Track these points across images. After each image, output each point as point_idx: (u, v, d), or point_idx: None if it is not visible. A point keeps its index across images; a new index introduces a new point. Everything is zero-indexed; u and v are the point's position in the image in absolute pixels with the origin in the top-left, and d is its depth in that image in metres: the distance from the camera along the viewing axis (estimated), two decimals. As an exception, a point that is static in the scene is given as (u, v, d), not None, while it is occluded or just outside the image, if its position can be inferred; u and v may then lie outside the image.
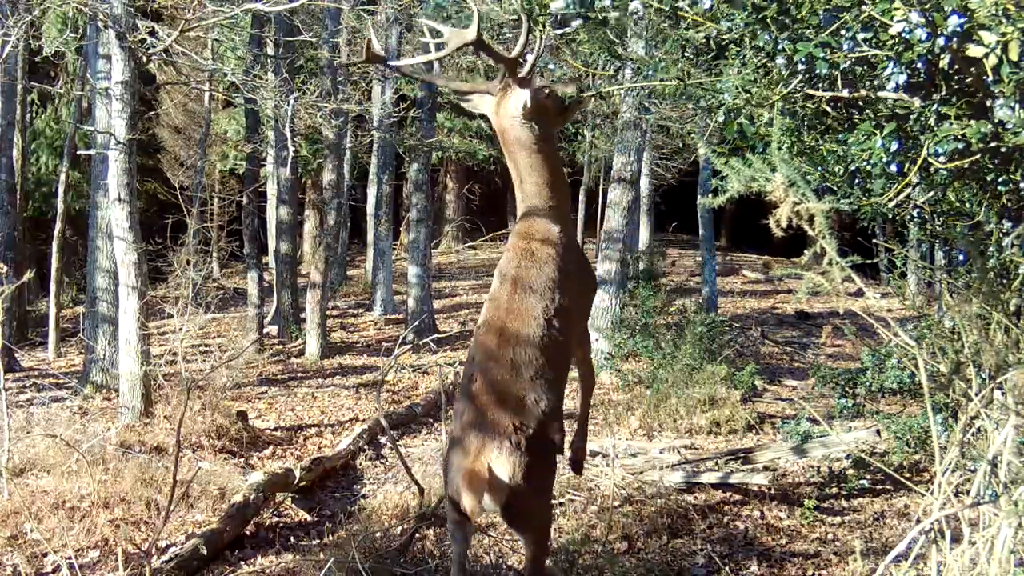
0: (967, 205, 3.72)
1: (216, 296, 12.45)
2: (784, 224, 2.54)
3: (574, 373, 3.95)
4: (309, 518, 5.83)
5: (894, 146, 3.17)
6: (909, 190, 3.38)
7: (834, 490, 5.98)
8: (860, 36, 3.04)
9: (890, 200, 3.37)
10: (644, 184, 16.53)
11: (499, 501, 3.14)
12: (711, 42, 3.55)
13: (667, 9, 3.46)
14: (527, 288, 3.44)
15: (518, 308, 3.40)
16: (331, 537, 5.25)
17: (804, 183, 2.58)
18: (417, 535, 4.96)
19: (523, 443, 3.17)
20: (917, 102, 3.14)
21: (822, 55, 3.02)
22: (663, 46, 3.76)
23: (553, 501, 3.73)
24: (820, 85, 3.31)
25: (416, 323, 12.35)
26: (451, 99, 21.61)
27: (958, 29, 2.81)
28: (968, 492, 2.91)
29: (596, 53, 4.64)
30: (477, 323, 3.55)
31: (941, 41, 2.85)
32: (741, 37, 3.28)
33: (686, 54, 3.75)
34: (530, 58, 3.51)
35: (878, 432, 5.83)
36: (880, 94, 3.23)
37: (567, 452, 3.79)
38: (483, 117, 3.79)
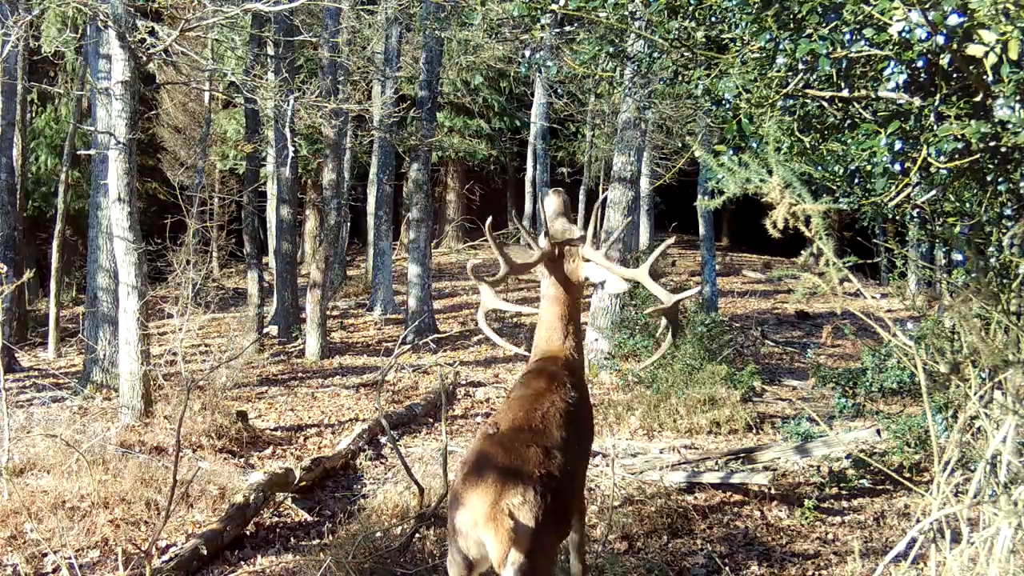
0: (967, 205, 3.71)
1: (216, 296, 12.44)
2: (780, 225, 2.53)
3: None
4: (309, 518, 5.82)
5: (898, 145, 3.16)
6: (909, 190, 3.37)
7: (834, 490, 5.98)
8: (861, 32, 3.04)
9: (890, 200, 3.36)
10: (644, 184, 16.52)
11: (523, 548, 2.71)
12: (711, 41, 3.55)
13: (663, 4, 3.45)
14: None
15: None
16: (331, 537, 5.24)
17: (800, 184, 2.57)
18: (417, 535, 4.96)
19: (548, 494, 2.79)
20: (917, 101, 3.14)
21: (825, 52, 3.01)
22: (658, 31, 3.74)
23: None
24: (821, 85, 3.31)
25: (416, 323, 12.36)
26: (451, 99, 21.66)
27: (958, 29, 2.81)
28: (968, 492, 2.91)
29: (596, 53, 4.63)
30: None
31: (941, 40, 2.85)
32: (741, 35, 3.27)
33: (683, 52, 3.74)
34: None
35: (878, 432, 5.82)
36: (880, 93, 3.23)
37: None
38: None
